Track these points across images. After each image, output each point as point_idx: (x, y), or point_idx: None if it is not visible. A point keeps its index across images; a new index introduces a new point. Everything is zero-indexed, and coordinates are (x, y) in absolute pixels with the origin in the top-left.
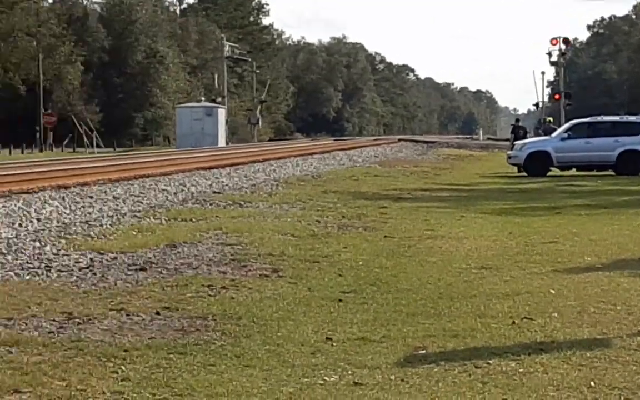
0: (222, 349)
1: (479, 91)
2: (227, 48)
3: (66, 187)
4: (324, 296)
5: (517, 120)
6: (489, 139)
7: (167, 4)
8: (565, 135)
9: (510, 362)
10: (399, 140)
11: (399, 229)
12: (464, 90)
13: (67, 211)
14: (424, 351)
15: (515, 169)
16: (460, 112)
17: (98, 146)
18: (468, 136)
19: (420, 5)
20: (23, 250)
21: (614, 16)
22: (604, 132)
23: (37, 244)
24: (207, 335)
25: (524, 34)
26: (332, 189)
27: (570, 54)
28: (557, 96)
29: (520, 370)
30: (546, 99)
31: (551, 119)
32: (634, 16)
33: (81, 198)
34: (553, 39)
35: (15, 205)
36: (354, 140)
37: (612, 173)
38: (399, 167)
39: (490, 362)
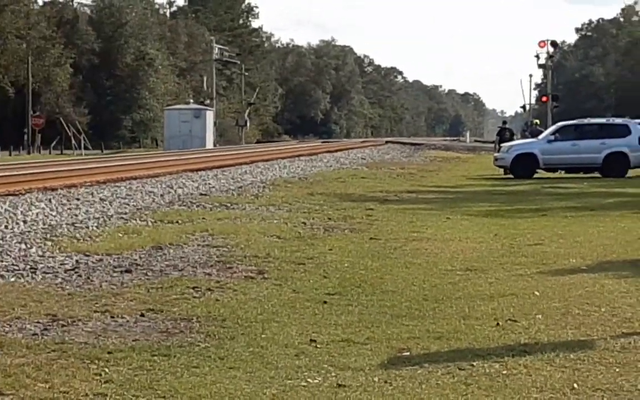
0: (206, 350)
1: (466, 93)
2: (216, 50)
3: (53, 189)
4: (309, 298)
5: (504, 122)
6: (475, 141)
7: (156, 6)
8: (552, 137)
9: (494, 363)
10: (386, 142)
11: (384, 231)
12: (451, 92)
13: (54, 213)
14: (407, 353)
15: (502, 171)
16: (447, 115)
17: (86, 148)
18: (455, 138)
19: (408, 9)
20: (9, 252)
21: (602, 19)
22: (591, 134)
23: (23, 245)
24: (191, 337)
25: (512, 36)
26: (318, 191)
27: (558, 56)
28: (544, 98)
29: (504, 372)
30: (533, 101)
31: (538, 121)
32: (621, 19)
33: (68, 200)
34: (541, 41)
35: (1, 207)
36: (341, 143)
37: (599, 175)
38: (386, 169)
39: (474, 363)
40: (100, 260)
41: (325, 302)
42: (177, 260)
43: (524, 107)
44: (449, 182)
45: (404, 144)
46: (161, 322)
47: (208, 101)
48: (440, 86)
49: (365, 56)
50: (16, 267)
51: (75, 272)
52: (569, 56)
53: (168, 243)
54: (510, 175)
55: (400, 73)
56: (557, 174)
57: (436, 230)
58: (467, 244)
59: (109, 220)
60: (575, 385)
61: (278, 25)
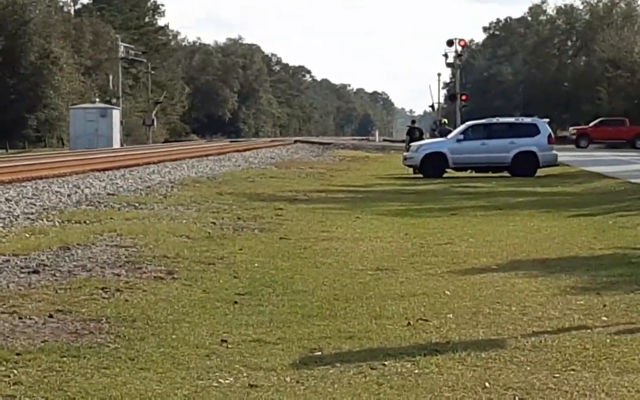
0: (116, 351)
1: (375, 92)
2: (122, 49)
3: None
4: (219, 298)
5: (413, 121)
6: (385, 140)
7: (61, 4)
8: (461, 136)
9: (406, 363)
10: (295, 141)
11: (294, 231)
12: (360, 91)
13: None
14: (319, 353)
15: (411, 170)
16: (356, 114)
17: None
18: (364, 138)
19: (316, 7)
20: None
21: (510, 18)
22: (500, 133)
23: None
24: (100, 338)
25: (420, 35)
26: (227, 191)
27: (466, 55)
28: (453, 97)
29: (416, 371)
30: (442, 100)
31: (446, 120)
32: (529, 18)
33: None
34: (449, 40)
35: None
36: (249, 142)
37: (508, 174)
38: (295, 169)
39: (386, 363)
40: (7, 261)
41: (235, 302)
42: (85, 260)
43: (432, 106)
44: (358, 182)
45: (313, 143)
46: (70, 323)
47: (114, 100)
48: (349, 85)
49: (272, 55)
50: None
51: None
52: (477, 55)
53: (76, 243)
54: (420, 175)
55: (309, 72)
56: (466, 174)
57: (346, 229)
58: (378, 244)
59: (15, 220)
60: (486, 384)
61: (184, 24)
